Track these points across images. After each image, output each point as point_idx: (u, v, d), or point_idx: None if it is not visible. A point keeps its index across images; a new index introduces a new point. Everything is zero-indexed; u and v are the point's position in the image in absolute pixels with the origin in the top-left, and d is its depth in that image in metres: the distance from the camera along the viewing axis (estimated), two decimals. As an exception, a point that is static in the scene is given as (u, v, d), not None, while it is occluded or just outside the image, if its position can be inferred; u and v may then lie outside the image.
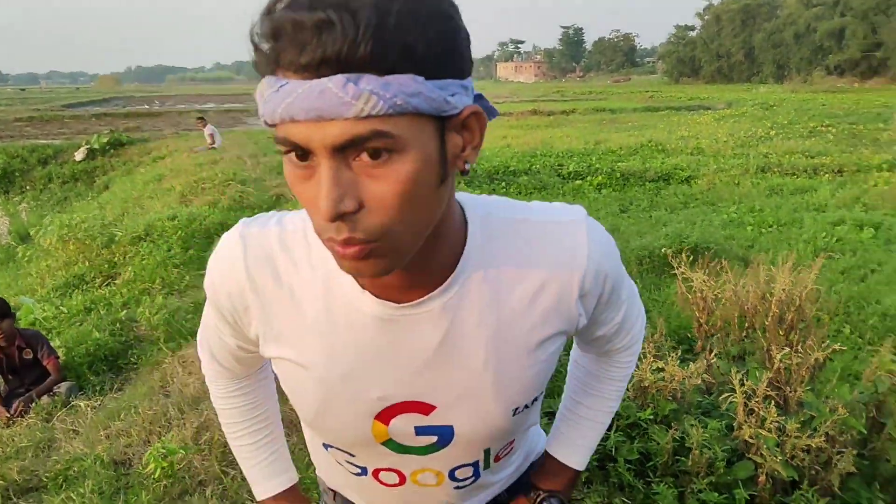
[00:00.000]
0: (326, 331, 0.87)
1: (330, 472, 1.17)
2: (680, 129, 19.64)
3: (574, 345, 1.22)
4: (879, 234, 7.78)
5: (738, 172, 12.05)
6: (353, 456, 1.01)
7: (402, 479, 1.02)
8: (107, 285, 6.33)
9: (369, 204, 0.68)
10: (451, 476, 1.02)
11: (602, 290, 0.94)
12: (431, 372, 0.88)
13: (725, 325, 3.64)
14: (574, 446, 1.19)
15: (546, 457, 1.21)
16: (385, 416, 0.92)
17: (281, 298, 0.88)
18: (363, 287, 0.84)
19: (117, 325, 4.84)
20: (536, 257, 0.88)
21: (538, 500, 1.17)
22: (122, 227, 7.95)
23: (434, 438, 0.95)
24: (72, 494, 2.67)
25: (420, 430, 0.93)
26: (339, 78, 0.62)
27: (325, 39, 0.61)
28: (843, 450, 2.59)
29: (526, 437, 1.18)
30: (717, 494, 2.50)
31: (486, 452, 1.01)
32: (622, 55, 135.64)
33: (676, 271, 3.68)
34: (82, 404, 3.63)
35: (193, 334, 4.32)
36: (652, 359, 3.06)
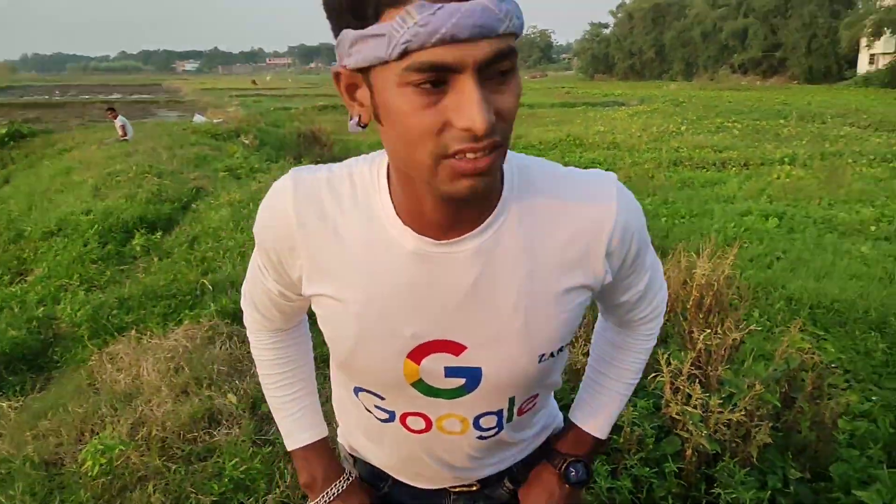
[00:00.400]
0: (366, 266, 0.92)
1: (355, 428, 1.21)
2: (596, 125, 20.14)
3: (599, 317, 1.26)
4: (783, 223, 8.21)
5: (652, 166, 12.47)
6: (383, 399, 1.04)
7: (429, 425, 1.06)
8: (17, 283, 6.06)
9: (500, 115, 0.75)
10: (476, 424, 1.05)
11: (628, 250, 0.98)
12: (464, 311, 0.93)
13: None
14: (595, 415, 1.22)
15: (569, 425, 1.24)
16: (417, 354, 0.96)
17: (325, 236, 0.93)
18: (405, 223, 0.89)
19: (34, 322, 4.65)
20: (569, 210, 0.93)
21: (564, 465, 1.20)
22: (30, 221, 7.62)
23: (462, 381, 0.98)
24: (1, 498, 2.58)
25: (450, 371, 0.97)
26: (492, 1, 0.69)
27: None
28: (760, 423, 2.76)
29: (548, 402, 1.23)
30: (648, 469, 2.63)
31: (511, 402, 1.05)
32: (539, 51, 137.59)
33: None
34: (4, 405, 3.49)
35: (120, 330, 4.21)
36: (582, 342, 3.19)
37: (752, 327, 3.24)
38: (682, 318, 3.58)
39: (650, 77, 72.29)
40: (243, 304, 1.19)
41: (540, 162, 0.97)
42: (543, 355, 0.98)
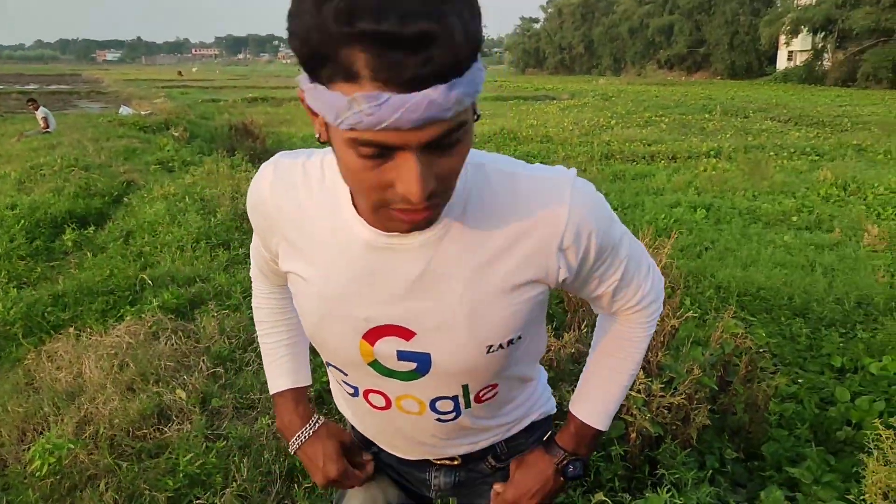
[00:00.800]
0: (328, 250, 0.98)
1: (337, 396, 1.30)
2: (529, 118, 20.38)
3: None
4: (710, 214, 8.49)
5: (585, 159, 12.70)
6: (347, 375, 1.11)
7: (388, 403, 1.11)
8: (-62, 281, 5.80)
9: (443, 176, 0.78)
10: (433, 407, 1.10)
11: (586, 248, 0.98)
12: (411, 300, 0.97)
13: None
14: (595, 407, 1.22)
15: (570, 417, 1.25)
16: (371, 336, 1.01)
17: (297, 219, 0.99)
18: (359, 214, 0.94)
19: (-39, 322, 4.47)
20: (520, 207, 0.95)
21: (561, 461, 1.23)
22: (-51, 217, 7.28)
23: (414, 365, 1.03)
24: (-60, 500, 2.50)
25: (401, 355, 1.02)
26: (442, 88, 0.68)
27: (429, 54, 0.65)
28: (699, 406, 2.89)
29: (520, 393, 1.24)
30: (595, 453, 2.73)
31: (465, 389, 1.08)
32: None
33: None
34: (-65, 406, 3.35)
35: (57, 328, 4.09)
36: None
37: (688, 314, 3.38)
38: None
39: (580, 72, 73.53)
40: (251, 257, 1.27)
41: (497, 159, 0.98)
42: (491, 346, 1.02)
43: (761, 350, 3.59)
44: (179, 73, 68.68)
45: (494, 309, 0.98)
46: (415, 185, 0.75)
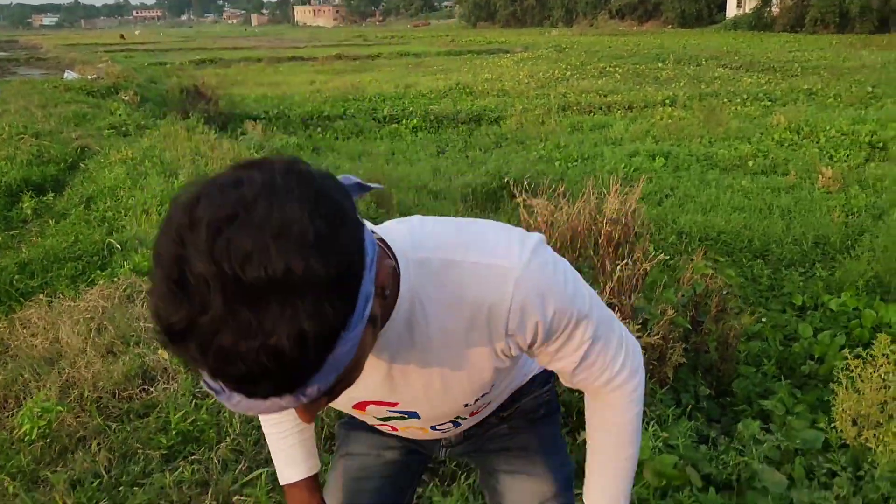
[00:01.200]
0: None
1: None
2: (484, 73, 20.32)
3: None
4: (669, 162, 8.63)
5: (542, 112, 12.75)
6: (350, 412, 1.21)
7: (394, 429, 1.23)
8: None
9: (336, 392, 0.80)
10: (433, 428, 1.22)
11: (533, 333, 0.96)
12: (385, 388, 1.05)
13: (561, 248, 3.98)
14: (601, 493, 1.19)
15: None
16: (359, 406, 1.13)
17: None
18: None
19: (-77, 294, 4.36)
20: (466, 300, 0.94)
21: None
22: None
23: (406, 416, 1.14)
24: (-74, 470, 2.47)
25: (392, 412, 1.14)
26: (289, 398, 0.68)
27: (261, 387, 0.65)
28: (674, 345, 3.00)
29: (509, 382, 1.27)
30: (575, 394, 2.81)
31: (457, 416, 1.19)
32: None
33: (518, 199, 3.96)
34: None
35: (26, 295, 4.03)
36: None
37: (659, 257, 3.46)
38: (592, 252, 3.78)
39: (531, 24, 72.95)
40: None
41: (440, 246, 0.96)
42: (468, 404, 1.12)
43: (727, 293, 3.70)
44: (122, 36, 66.57)
45: (462, 385, 1.06)
46: (299, 415, 0.81)
